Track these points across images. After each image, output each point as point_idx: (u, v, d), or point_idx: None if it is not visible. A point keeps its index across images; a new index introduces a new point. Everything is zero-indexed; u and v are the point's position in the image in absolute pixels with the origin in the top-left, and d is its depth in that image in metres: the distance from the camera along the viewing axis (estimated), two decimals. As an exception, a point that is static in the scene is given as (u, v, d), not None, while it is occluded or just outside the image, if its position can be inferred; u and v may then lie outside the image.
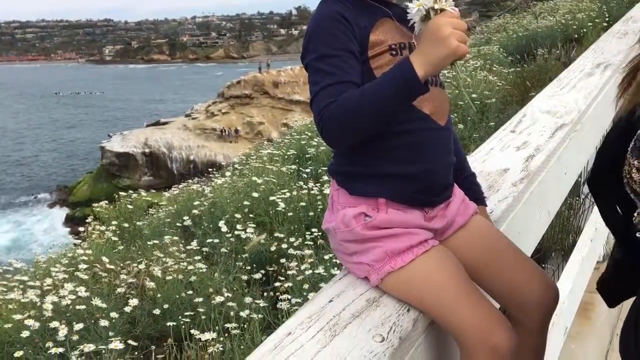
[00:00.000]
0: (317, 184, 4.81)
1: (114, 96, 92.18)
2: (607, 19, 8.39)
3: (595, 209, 3.32)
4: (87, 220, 5.61)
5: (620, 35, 3.61)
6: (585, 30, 8.06)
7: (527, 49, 7.79)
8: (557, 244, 3.22)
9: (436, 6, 1.02)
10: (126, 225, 5.07)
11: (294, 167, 5.41)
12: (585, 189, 3.27)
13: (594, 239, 3.05)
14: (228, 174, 6.16)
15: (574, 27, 8.25)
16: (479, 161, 1.83)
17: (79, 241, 5.04)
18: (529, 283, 1.22)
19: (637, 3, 5.07)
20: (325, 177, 4.88)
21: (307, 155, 5.78)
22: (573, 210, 3.36)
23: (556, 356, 2.44)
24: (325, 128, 1.08)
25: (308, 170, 5.32)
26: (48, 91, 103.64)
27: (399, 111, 1.08)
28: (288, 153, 5.86)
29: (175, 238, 4.45)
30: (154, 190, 8.26)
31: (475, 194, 1.38)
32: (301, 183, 4.96)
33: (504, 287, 1.22)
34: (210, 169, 9.59)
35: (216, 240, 4.16)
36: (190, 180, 8.07)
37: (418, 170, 1.15)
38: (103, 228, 5.04)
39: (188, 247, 4.13)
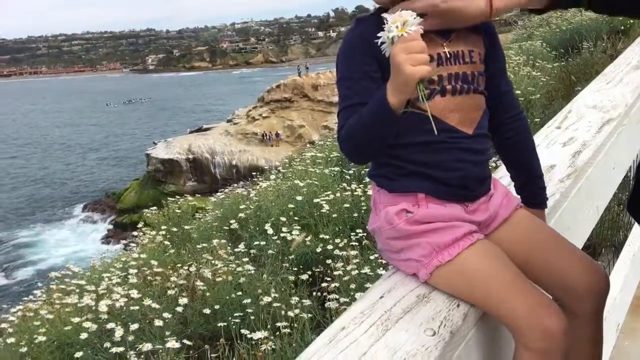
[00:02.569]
0: (360, 185, 4.84)
1: (161, 103, 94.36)
2: (655, 9, 8.14)
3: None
4: (138, 226, 5.79)
5: (669, 25, 3.52)
6: (632, 21, 7.83)
7: (571, 43, 7.63)
8: (607, 240, 3.16)
9: (391, 34, 1.04)
10: (175, 229, 5.21)
11: (337, 169, 5.46)
12: (636, 183, 3.20)
13: (646, 234, 2.99)
14: (272, 177, 6.25)
15: (620, 18, 8.02)
16: (525, 158, 1.83)
17: (133, 245, 5.21)
18: (576, 269, 1.22)
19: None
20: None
21: (349, 157, 5.81)
22: (623, 206, 3.30)
23: (608, 353, 2.41)
24: (342, 150, 1.18)
25: (351, 171, 5.36)
26: (97, 101, 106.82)
27: (391, 132, 1.12)
28: (331, 155, 5.91)
29: (223, 241, 4.55)
30: (198, 195, 8.43)
31: (532, 199, 1.37)
32: (344, 185, 5.00)
33: (552, 277, 1.23)
34: (252, 173, 9.74)
35: (263, 243, 4.24)
36: (235, 185, 8.22)
37: (448, 177, 1.18)
38: (154, 233, 5.20)
39: (236, 250, 4.22)
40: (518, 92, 5.32)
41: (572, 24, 8.39)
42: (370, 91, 1.12)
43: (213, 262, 3.93)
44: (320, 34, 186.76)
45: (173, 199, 6.66)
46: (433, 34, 1.16)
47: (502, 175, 1.61)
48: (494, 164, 1.56)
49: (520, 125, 1.35)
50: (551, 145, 1.93)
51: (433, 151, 1.17)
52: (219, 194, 6.44)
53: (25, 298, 5.09)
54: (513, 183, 1.44)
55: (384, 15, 1.07)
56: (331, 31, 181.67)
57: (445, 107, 1.17)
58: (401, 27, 1.04)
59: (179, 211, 5.75)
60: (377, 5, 1.20)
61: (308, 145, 12.59)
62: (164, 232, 5.09)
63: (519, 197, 1.35)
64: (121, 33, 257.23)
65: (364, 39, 1.13)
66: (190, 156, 39.88)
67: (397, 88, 1.05)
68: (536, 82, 5.73)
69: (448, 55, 1.17)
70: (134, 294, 3.38)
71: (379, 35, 1.08)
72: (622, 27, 7.77)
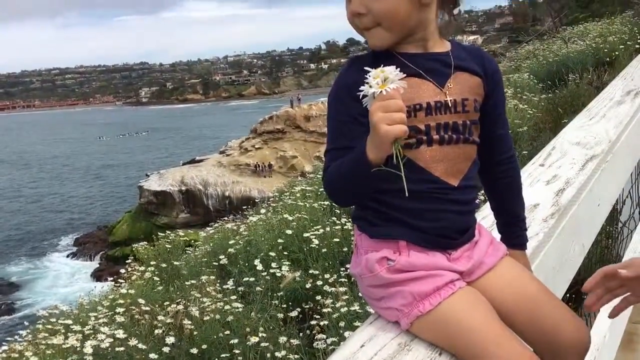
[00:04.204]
0: (350, 219, 4.83)
1: (156, 135, 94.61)
2: (639, 41, 8.29)
3: (635, 236, 3.24)
4: (127, 261, 5.73)
5: (651, 60, 3.57)
6: (617, 53, 7.97)
7: (558, 75, 7.73)
8: (597, 274, 3.14)
9: (372, 90, 1.04)
10: (164, 265, 5.16)
11: (326, 203, 5.44)
12: (624, 216, 3.21)
13: (635, 268, 2.97)
14: (262, 211, 6.23)
15: (605, 50, 8.17)
16: (509, 197, 1.82)
17: (121, 282, 5.16)
18: (561, 326, 1.21)
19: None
20: (358, 212, 4.90)
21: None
22: (612, 239, 3.30)
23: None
24: (325, 192, 1.20)
25: (341, 205, 5.35)
26: (90, 134, 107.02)
27: (369, 185, 1.12)
28: (321, 189, 5.90)
29: (212, 277, 4.51)
30: (190, 230, 8.38)
31: (514, 240, 1.36)
32: (334, 219, 4.99)
33: (536, 331, 1.21)
34: (245, 205, 9.70)
35: (252, 279, 4.20)
36: (225, 218, 8.18)
37: (430, 226, 1.16)
38: (142, 269, 5.15)
39: (224, 287, 4.18)
40: (506, 124, 5.34)
41: (559, 56, 8.53)
42: (357, 135, 1.11)
43: (201, 299, 3.88)
44: (312, 66, 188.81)
45: (165, 233, 6.61)
46: (430, 80, 1.16)
47: (486, 215, 1.60)
48: (482, 196, 1.54)
49: (511, 168, 1.34)
50: (535, 183, 1.93)
51: (416, 200, 1.15)
52: (209, 228, 6.41)
53: (10, 338, 4.99)
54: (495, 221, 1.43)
55: (367, 68, 1.06)
56: (323, 63, 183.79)
57: (431, 157, 1.16)
58: (381, 83, 1.04)
59: (169, 246, 5.71)
60: None
61: (299, 177, 12.59)
62: (152, 268, 5.04)
63: (504, 245, 1.33)
64: (115, 66, 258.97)
65: (355, 82, 1.12)
66: (183, 188, 39.83)
67: (374, 145, 1.05)
68: (523, 115, 5.79)
69: (438, 105, 1.15)
70: (120, 334, 3.32)
71: (361, 88, 1.07)
72: (608, 59, 7.90)
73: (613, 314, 1.39)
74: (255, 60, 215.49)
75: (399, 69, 1.06)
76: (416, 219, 1.16)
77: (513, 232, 1.37)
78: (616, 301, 1.36)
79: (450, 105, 1.16)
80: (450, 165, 1.17)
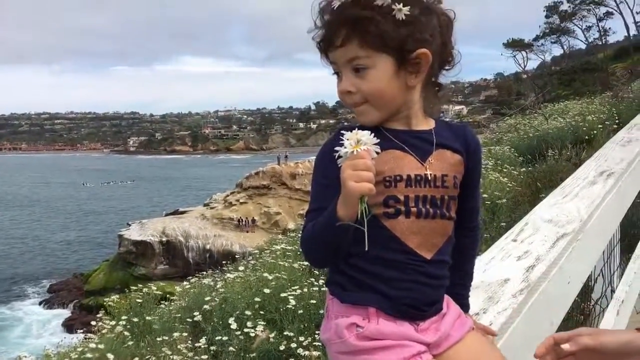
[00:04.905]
0: (328, 281, 4.81)
1: (140, 185, 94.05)
2: (617, 122, 8.58)
3: (607, 314, 3.27)
4: (98, 315, 5.60)
5: (624, 143, 3.68)
6: (595, 132, 8.22)
7: (538, 150, 7.93)
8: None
9: (344, 150, 1.11)
10: (136, 319, 5.06)
11: (306, 263, 5.43)
12: (595, 294, 3.24)
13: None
14: (241, 268, 6.18)
15: (584, 128, 8.43)
16: (480, 271, 1.85)
17: (91, 335, 5.03)
18: None
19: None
20: (337, 275, 4.89)
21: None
22: (584, 316, 3.32)
23: None
24: (301, 251, 1.23)
25: (320, 266, 5.33)
26: (75, 179, 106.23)
27: (339, 242, 1.15)
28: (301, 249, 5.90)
29: (185, 334, 4.43)
30: (164, 282, 8.24)
31: (459, 301, 1.36)
32: (312, 279, 4.97)
33: None
34: (225, 260, 9.61)
35: (225, 338, 4.14)
36: (203, 272, 8.08)
37: (399, 296, 1.18)
38: (113, 322, 5.03)
39: (197, 344, 4.10)
40: (485, 195, 5.46)
41: (539, 132, 8.77)
42: (335, 197, 1.15)
43: (172, 357, 3.80)
44: (301, 125, 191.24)
45: (141, 284, 6.51)
46: (412, 154, 1.21)
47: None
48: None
49: (473, 235, 1.37)
50: (506, 258, 1.97)
51: (390, 268, 1.18)
52: (185, 283, 6.33)
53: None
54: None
55: (342, 131, 1.13)
56: (312, 123, 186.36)
57: (407, 229, 1.19)
58: (354, 144, 1.10)
59: (140, 300, 5.60)
60: None
61: (280, 235, 12.55)
62: (124, 322, 4.93)
63: (471, 320, 1.35)
64: (105, 115, 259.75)
65: (336, 147, 1.16)
66: (164, 239, 39.37)
67: (343, 201, 1.10)
68: (503, 187, 5.90)
69: (418, 178, 1.20)
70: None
71: (336, 149, 1.13)
72: (586, 137, 8.14)
73: None
74: (245, 116, 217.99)
75: (373, 134, 1.12)
76: (388, 287, 1.18)
77: (459, 294, 1.37)
78: None
79: (430, 179, 1.21)
80: (426, 238, 1.21)
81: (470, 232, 1.36)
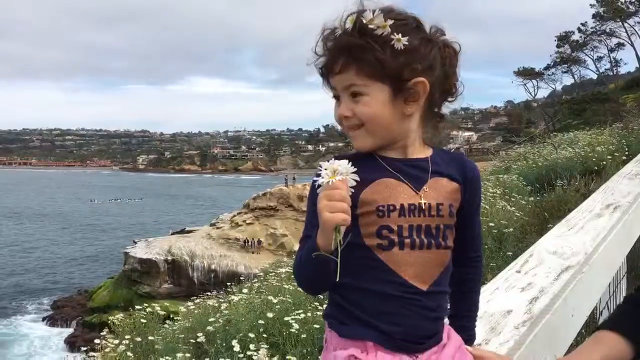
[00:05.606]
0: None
1: (149, 203, 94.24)
2: (626, 153, 8.56)
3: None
4: (102, 332, 5.60)
5: (632, 176, 3.68)
6: (604, 163, 8.21)
7: (546, 179, 7.92)
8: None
9: (320, 180, 1.13)
10: (139, 339, 5.05)
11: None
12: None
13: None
14: (245, 290, 6.18)
15: (594, 159, 8.42)
16: (484, 301, 1.85)
17: (93, 354, 5.02)
18: None
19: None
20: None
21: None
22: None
23: None
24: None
25: (324, 290, 5.32)
26: (83, 195, 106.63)
27: (321, 270, 1.16)
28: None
29: (188, 355, 4.42)
30: (168, 301, 8.23)
31: (464, 334, 1.35)
32: (317, 304, 4.95)
33: None
34: (230, 281, 9.59)
35: (228, 360, 4.13)
36: (208, 293, 8.07)
37: (394, 330, 1.18)
38: (117, 342, 5.02)
39: (199, 366, 4.09)
40: (492, 224, 5.45)
41: (548, 161, 8.76)
42: None
43: (174, 378, 3.79)
44: (310, 147, 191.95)
45: (145, 303, 6.50)
46: (406, 183, 1.21)
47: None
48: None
49: (475, 266, 1.35)
50: (510, 289, 1.97)
51: (384, 302, 1.18)
52: (189, 303, 6.32)
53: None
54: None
55: (321, 162, 1.16)
56: (320, 145, 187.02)
57: (402, 260, 1.18)
58: (331, 174, 1.13)
59: (144, 321, 5.58)
60: None
61: (285, 258, 12.52)
62: (127, 342, 4.92)
63: (471, 353, 1.33)
64: (115, 132, 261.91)
65: None
66: (170, 257, 39.31)
67: (320, 231, 1.12)
68: (510, 217, 5.89)
69: (412, 207, 1.19)
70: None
71: (314, 179, 1.16)
72: (595, 168, 8.13)
73: None
74: (254, 137, 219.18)
75: (350, 163, 1.14)
76: (383, 321, 1.18)
77: (465, 326, 1.37)
78: None
79: (424, 208, 1.20)
80: (422, 269, 1.20)
81: (473, 262, 1.35)
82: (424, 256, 1.20)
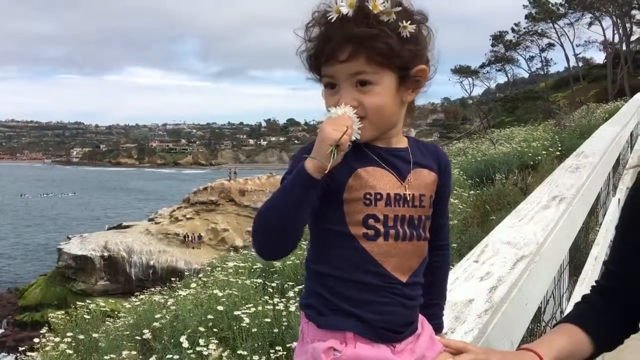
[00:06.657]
0: (282, 299, 4.78)
1: (83, 198, 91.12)
2: (559, 148, 8.95)
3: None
4: (42, 331, 5.37)
5: (573, 169, 3.86)
6: (540, 157, 8.55)
7: (486, 174, 8.18)
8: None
9: (333, 111, 1.14)
10: (82, 337, 4.87)
11: (259, 280, 5.39)
12: (547, 316, 3.35)
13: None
14: (193, 285, 6.07)
15: (530, 154, 8.75)
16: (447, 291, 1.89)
17: (31, 353, 4.81)
18: None
19: (587, 139, 5.46)
20: (291, 293, 4.87)
21: (272, 269, 5.78)
22: (532, 337, 3.41)
23: None
24: (253, 228, 1.15)
25: (274, 284, 5.30)
26: (13, 190, 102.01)
27: (303, 198, 1.11)
28: (254, 266, 5.85)
29: (134, 352, 4.30)
30: (109, 300, 8.00)
31: (434, 322, 1.37)
32: (267, 297, 4.93)
33: None
34: (170, 277, 9.41)
35: (176, 357, 4.04)
36: (152, 289, 7.88)
37: (376, 319, 1.18)
38: (57, 340, 4.83)
39: (146, 363, 3.99)
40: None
41: (487, 156, 9.05)
42: None
43: (120, 376, 3.68)
44: (251, 141, 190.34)
45: (80, 300, 6.29)
46: (392, 172, 1.20)
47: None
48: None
49: (444, 254, 1.36)
50: (470, 278, 2.01)
51: (366, 292, 1.17)
52: (133, 299, 6.15)
53: None
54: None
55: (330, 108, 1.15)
56: (262, 140, 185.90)
57: (385, 251, 1.18)
58: (340, 112, 1.13)
59: (88, 317, 5.40)
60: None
61: (232, 252, 12.40)
62: (69, 339, 4.74)
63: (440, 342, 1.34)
64: (48, 124, 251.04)
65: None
66: (106, 253, 38.22)
67: (315, 149, 1.09)
68: (454, 209, 6.04)
69: (398, 197, 1.19)
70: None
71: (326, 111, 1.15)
72: (532, 163, 8.46)
73: None
74: (194, 131, 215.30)
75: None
76: (364, 311, 1.17)
77: (435, 314, 1.38)
78: None
79: (409, 199, 1.20)
80: (402, 261, 1.20)
81: (441, 250, 1.35)
82: (406, 248, 1.20)
